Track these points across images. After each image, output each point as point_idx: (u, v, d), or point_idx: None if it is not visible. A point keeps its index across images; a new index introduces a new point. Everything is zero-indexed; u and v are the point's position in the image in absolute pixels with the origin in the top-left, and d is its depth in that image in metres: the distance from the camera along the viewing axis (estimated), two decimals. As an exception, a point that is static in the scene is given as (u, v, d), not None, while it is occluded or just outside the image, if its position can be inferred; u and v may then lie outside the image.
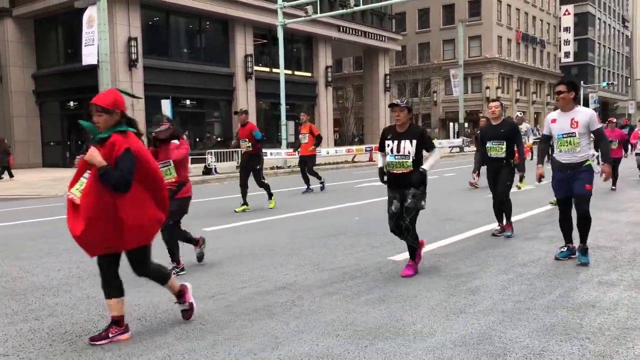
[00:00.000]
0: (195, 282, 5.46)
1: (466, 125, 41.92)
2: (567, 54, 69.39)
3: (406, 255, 6.46)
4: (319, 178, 14.18)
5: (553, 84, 67.07)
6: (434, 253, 6.57)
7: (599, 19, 77.31)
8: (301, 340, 3.89)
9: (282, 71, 26.20)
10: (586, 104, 61.92)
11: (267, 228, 8.70)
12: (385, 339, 3.86)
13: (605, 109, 73.42)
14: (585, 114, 5.82)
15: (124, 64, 25.62)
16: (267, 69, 33.46)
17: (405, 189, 5.50)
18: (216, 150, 23.67)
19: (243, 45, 31.33)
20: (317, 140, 13.92)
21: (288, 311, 4.52)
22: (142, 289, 5.25)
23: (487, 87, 53.54)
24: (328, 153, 28.12)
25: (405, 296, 4.86)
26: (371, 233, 7.96)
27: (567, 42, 69.23)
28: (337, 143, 41.96)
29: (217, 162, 22.84)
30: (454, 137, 40.43)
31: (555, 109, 6.23)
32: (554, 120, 5.99)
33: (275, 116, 33.26)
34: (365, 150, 30.37)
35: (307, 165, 14.00)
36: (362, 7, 27.54)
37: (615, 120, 13.91)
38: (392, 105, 5.68)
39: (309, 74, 36.62)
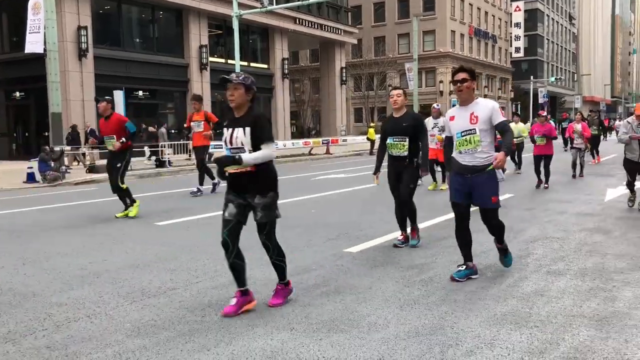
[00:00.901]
0: (147, 277, 5.36)
1: (421, 118, 42.42)
2: (517, 49, 71.19)
3: (363, 246, 6.52)
4: (212, 177, 12.07)
5: (504, 78, 68.86)
6: (388, 245, 6.63)
7: (547, 15, 79.57)
8: (255, 334, 3.85)
9: (237, 62, 25.92)
10: (536, 99, 63.80)
11: (219, 222, 8.58)
12: (340, 332, 3.87)
13: (553, 103, 75.75)
14: (485, 107, 4.95)
15: (74, 54, 24.83)
16: (223, 60, 33.07)
17: (249, 196, 4.26)
18: (171, 143, 23.23)
19: (197, 35, 30.84)
20: (216, 128, 11.96)
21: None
22: (91, 285, 5.11)
23: (441, 81, 54.43)
24: (285, 146, 28.06)
25: (360, 288, 4.88)
26: (327, 225, 7.97)
27: (517, 38, 71.01)
28: (294, 136, 41.89)
29: (173, 154, 22.45)
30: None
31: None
32: (452, 118, 5.13)
33: (230, 108, 32.89)
34: (322, 143, 30.46)
35: (198, 157, 12.32)
36: (318, -1, 27.48)
37: (545, 113, 13.25)
38: (223, 81, 4.38)
39: (265, 66, 36.38)
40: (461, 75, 4.94)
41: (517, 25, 70.77)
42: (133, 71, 27.56)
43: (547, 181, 12.23)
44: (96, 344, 3.73)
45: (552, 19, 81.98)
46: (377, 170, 6.54)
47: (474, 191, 4.99)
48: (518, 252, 6.16)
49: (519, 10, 70.68)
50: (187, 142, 23.60)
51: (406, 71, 40.59)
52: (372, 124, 34.37)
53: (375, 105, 52.59)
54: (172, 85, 30.45)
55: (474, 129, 4.89)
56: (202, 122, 11.84)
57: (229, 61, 31.48)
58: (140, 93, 28.53)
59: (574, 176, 14.20)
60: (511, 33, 70.90)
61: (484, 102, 5.02)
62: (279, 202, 4.44)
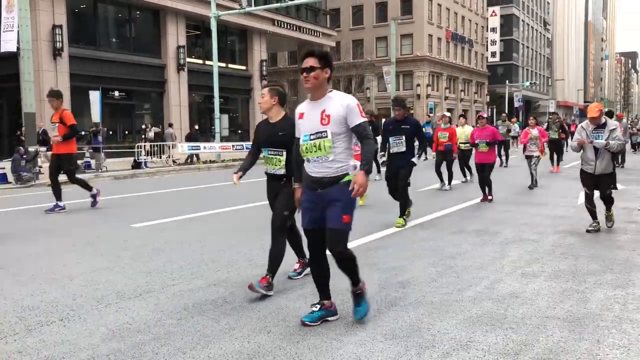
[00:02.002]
0: (123, 280, 5.29)
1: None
2: (493, 54, 72.16)
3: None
4: (89, 189, 10.24)
5: (480, 82, 69.69)
6: (366, 247, 6.65)
7: (522, 20, 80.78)
8: (232, 337, 3.83)
9: (215, 63, 25.79)
10: (511, 103, 64.69)
11: (196, 224, 8.53)
12: (317, 334, 3.86)
13: (528, 108, 76.87)
14: (339, 104, 3.83)
15: (48, 53, 24.42)
16: (200, 61, 32.84)
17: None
18: (150, 144, 22.97)
19: (175, 36, 30.60)
20: (71, 132, 9.74)
21: (219, 308, 4.44)
22: (65, 288, 5.03)
23: (418, 85, 54.86)
24: (262, 147, 27.90)
25: (337, 290, 4.87)
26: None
27: (493, 42, 71.98)
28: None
29: (149, 156, 22.21)
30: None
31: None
32: (301, 115, 4.01)
33: (208, 109, 32.75)
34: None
35: (56, 167, 9.98)
36: (296, 1, 27.48)
37: (485, 115, 11.61)
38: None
39: (243, 67, 36.24)
40: (309, 62, 3.85)
41: (493, 30, 71.74)
42: (109, 71, 27.21)
43: (490, 192, 10.59)
44: (69, 348, 3.66)
45: (527, 24, 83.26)
46: (241, 169, 5.05)
47: (327, 209, 3.93)
48: (493, 254, 6.23)
49: (495, 15, 71.66)
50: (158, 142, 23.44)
51: (384, 74, 40.81)
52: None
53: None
54: (149, 86, 30.15)
55: (325, 131, 3.85)
56: (57, 125, 9.75)
57: (207, 62, 31.28)
58: (117, 93, 28.17)
59: (530, 187, 12.67)
60: (487, 38, 71.81)
61: (339, 97, 3.91)
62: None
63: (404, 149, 8.25)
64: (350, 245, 6.72)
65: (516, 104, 64.37)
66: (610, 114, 14.75)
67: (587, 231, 7.45)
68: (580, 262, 5.85)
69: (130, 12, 29.43)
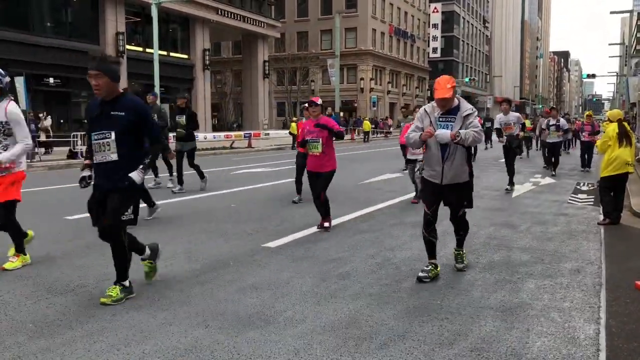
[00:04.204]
0: (54, 274, 5.09)
1: (342, 114, 43.06)
2: (434, 50, 73.64)
3: (281, 241, 6.51)
4: None
5: (422, 77, 71.04)
6: (306, 240, 6.65)
7: (463, 18, 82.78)
8: (169, 332, 3.75)
9: (156, 51, 25.14)
10: (451, 98, 66.31)
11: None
12: (256, 328, 3.84)
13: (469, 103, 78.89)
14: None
15: (-27, 36, 23.12)
16: (140, 49, 31.95)
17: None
18: (83, 133, 22.16)
19: (114, 22, 29.61)
20: None
21: (155, 303, 4.33)
22: (-9, 284, 4.78)
23: (362, 78, 55.36)
24: (206, 138, 27.52)
25: (277, 283, 4.86)
26: (246, 220, 7.89)
27: (435, 39, 73.45)
28: (216, 128, 41.19)
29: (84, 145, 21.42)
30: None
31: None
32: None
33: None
34: (244, 137, 30.14)
35: None
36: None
37: (319, 101, 7.57)
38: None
39: (185, 56, 35.51)
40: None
41: (435, 26, 73.19)
42: (42, 57, 26.03)
43: (325, 217, 7.28)
44: (-6, 347, 3.49)
45: (468, 22, 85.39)
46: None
47: None
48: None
49: (437, 11, 73.10)
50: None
51: (328, 67, 40.96)
52: (294, 119, 34.42)
53: (298, 100, 52.67)
54: (85, 72, 28.93)
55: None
56: None
57: (148, 50, 30.45)
58: (51, 80, 27.02)
59: (413, 202, 9.54)
60: (429, 34, 73.19)
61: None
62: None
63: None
64: (291, 237, 6.74)
65: (456, 99, 66.02)
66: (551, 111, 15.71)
67: (418, 279, 4.89)
68: (514, 253, 6.06)
69: (66, -5, 28.26)
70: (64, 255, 5.84)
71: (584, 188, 12.18)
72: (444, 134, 4.72)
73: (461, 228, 5.35)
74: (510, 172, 11.62)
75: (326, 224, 7.18)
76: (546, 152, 16.07)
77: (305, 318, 4.03)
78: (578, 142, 22.05)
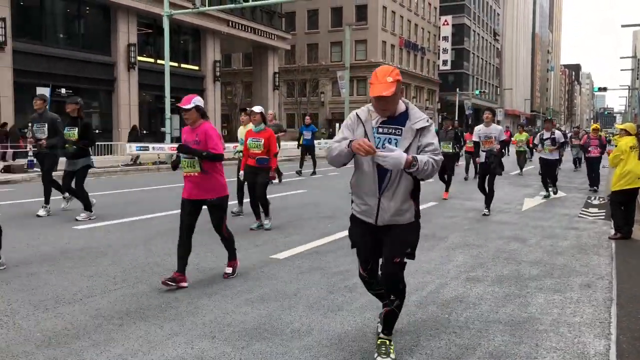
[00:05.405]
0: (63, 283, 5.11)
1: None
2: (445, 62, 73.62)
3: (290, 252, 6.50)
4: None
5: (432, 90, 71.10)
6: (315, 251, 6.64)
7: (473, 30, 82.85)
8: (175, 343, 3.74)
9: (167, 63, 25.31)
10: (462, 111, 66.23)
11: (143, 226, 8.33)
12: (263, 339, 3.82)
13: (478, 115, 78.84)
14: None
15: (-10, 47, 23.42)
16: (152, 60, 32.19)
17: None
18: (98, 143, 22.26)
19: (126, 33, 29.89)
20: None
21: (163, 313, 4.34)
22: (0, 291, 4.81)
23: (372, 90, 55.34)
24: (214, 149, 27.51)
25: (284, 295, 4.85)
26: (255, 232, 7.89)
27: (445, 51, 73.45)
28: (226, 140, 41.25)
29: (95, 155, 21.55)
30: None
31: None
32: None
33: (159, 109, 32.11)
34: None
35: None
36: (251, 3, 27.33)
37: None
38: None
39: (196, 67, 35.75)
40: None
41: (445, 38, 73.22)
42: (55, 67, 26.31)
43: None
44: (1, 356, 3.50)
45: (478, 34, 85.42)
46: None
47: None
48: (440, 258, 6.34)
49: (447, 24, 73.17)
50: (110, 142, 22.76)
51: (338, 79, 41.03)
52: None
53: (308, 112, 52.83)
54: (97, 83, 29.31)
55: None
56: None
57: (159, 61, 30.67)
58: (63, 91, 27.27)
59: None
60: (439, 46, 73.26)
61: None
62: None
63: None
64: (300, 249, 6.73)
65: (466, 112, 65.91)
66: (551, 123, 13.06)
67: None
68: (523, 267, 6.01)
69: (79, 8, 28.57)
70: (73, 265, 5.86)
71: (595, 202, 12.08)
72: (398, 158, 3.09)
73: (394, 290, 3.49)
74: (491, 193, 9.91)
75: (229, 270, 5.50)
76: (540, 170, 13.01)
77: (312, 330, 4.01)
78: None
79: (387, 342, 3.53)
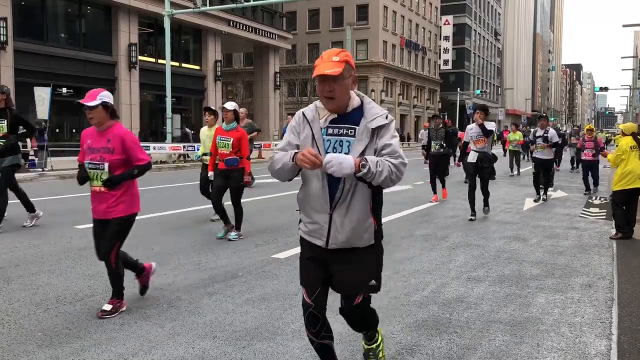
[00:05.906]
0: (64, 283, 5.11)
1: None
2: (446, 62, 73.64)
3: (291, 252, 6.50)
4: None
5: (433, 89, 71.09)
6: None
7: (474, 30, 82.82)
8: (176, 343, 3.74)
9: (168, 62, 25.36)
10: (462, 110, 66.24)
11: (145, 226, 8.33)
12: (264, 339, 3.83)
13: (478, 115, 78.75)
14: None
15: (-9, 46, 23.44)
16: (153, 60, 32.20)
17: None
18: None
19: (127, 33, 29.90)
20: None
21: (164, 313, 4.34)
22: (1, 292, 4.81)
23: (373, 90, 55.42)
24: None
25: (286, 294, 4.85)
26: (256, 231, 7.89)
27: (446, 51, 73.46)
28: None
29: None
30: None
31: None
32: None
33: (160, 109, 32.14)
34: (255, 147, 30.19)
35: None
36: (252, 2, 27.35)
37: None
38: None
39: (197, 67, 35.76)
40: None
41: (446, 38, 73.23)
42: (56, 67, 26.34)
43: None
44: (2, 356, 3.50)
45: (479, 34, 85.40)
46: None
47: None
48: (441, 258, 6.34)
49: (448, 24, 73.17)
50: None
51: (339, 79, 40.98)
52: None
53: (308, 111, 52.84)
54: (98, 83, 29.14)
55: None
56: None
57: (160, 61, 30.70)
58: (64, 90, 27.31)
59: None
60: (440, 46, 73.26)
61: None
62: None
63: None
64: (298, 250, 6.71)
65: (467, 112, 65.91)
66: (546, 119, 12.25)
67: None
68: (524, 267, 6.01)
69: (80, 7, 28.58)
70: (74, 264, 5.87)
71: (596, 202, 12.07)
72: (342, 162, 2.52)
73: (361, 326, 3.15)
74: (485, 194, 9.55)
75: (107, 307, 4.32)
76: (534, 169, 12.07)
77: (313, 330, 4.00)
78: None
79: (373, 346, 3.28)
